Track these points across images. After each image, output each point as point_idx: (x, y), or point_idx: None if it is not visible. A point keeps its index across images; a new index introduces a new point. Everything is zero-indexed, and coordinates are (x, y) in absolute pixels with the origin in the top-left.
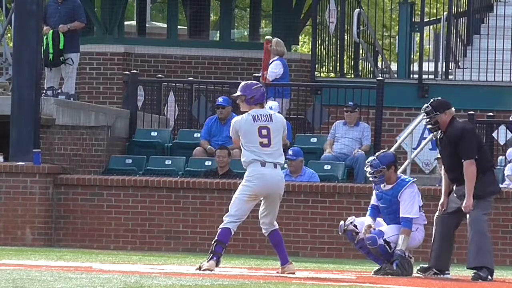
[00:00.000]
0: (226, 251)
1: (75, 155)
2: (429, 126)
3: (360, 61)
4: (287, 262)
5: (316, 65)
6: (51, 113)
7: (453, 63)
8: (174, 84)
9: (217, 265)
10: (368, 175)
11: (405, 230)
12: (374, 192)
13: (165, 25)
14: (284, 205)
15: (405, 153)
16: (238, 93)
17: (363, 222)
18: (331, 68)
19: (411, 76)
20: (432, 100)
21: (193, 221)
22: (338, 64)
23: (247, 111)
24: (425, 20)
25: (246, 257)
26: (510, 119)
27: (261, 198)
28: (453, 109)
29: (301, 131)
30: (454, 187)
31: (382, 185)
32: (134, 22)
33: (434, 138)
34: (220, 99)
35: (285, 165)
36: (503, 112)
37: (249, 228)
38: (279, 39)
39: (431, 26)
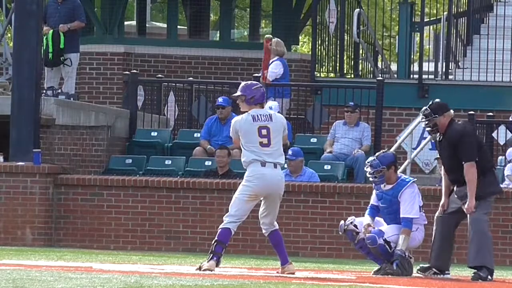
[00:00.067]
0: (226, 251)
1: (75, 155)
2: (428, 129)
3: (360, 61)
4: (287, 262)
5: (316, 65)
6: (51, 113)
7: (453, 63)
8: (174, 84)
9: (217, 265)
10: (368, 175)
11: (405, 230)
12: (374, 192)
13: (165, 25)
14: (284, 205)
15: (405, 153)
16: (238, 93)
17: (362, 222)
18: (331, 68)
19: (411, 76)
20: (430, 102)
21: (193, 221)
22: (338, 64)
23: (247, 111)
24: (425, 20)
25: (246, 257)
26: (510, 119)
27: (261, 198)
28: (451, 111)
29: (301, 131)
30: (455, 188)
31: (382, 185)
32: (134, 22)
33: (433, 141)
34: (220, 99)
35: (285, 165)
36: (503, 112)
37: (249, 228)
38: (279, 39)
39: (431, 26)
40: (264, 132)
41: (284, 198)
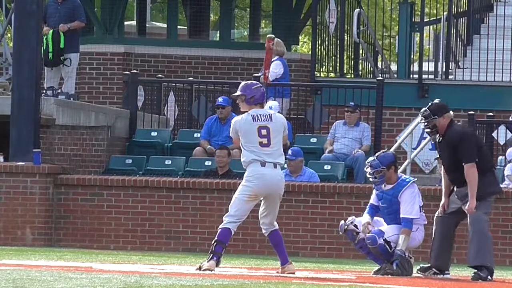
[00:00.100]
0: (226, 251)
1: (75, 155)
2: (427, 130)
3: (360, 61)
4: (287, 262)
5: (316, 65)
6: (51, 113)
7: (453, 63)
8: (174, 84)
9: (217, 265)
10: (368, 175)
11: (405, 231)
12: (374, 191)
13: (165, 25)
14: (284, 205)
15: (405, 153)
16: (238, 93)
17: (362, 221)
18: (331, 68)
19: (411, 76)
20: (430, 104)
21: (193, 221)
22: (338, 64)
23: (247, 111)
24: (425, 20)
25: (246, 257)
26: (510, 119)
27: (261, 198)
28: (451, 112)
29: (301, 131)
30: (455, 188)
31: (382, 185)
32: (134, 22)
33: (433, 142)
34: (220, 99)
35: (285, 165)
36: (503, 112)
37: (249, 228)
38: (279, 39)
39: (431, 26)
40: (264, 132)
41: (284, 198)
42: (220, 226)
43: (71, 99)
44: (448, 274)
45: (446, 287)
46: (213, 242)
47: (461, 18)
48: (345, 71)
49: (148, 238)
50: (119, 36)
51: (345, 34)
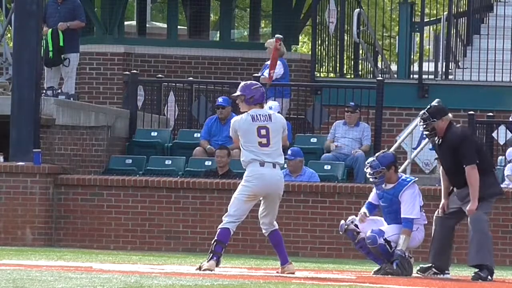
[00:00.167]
0: (226, 251)
1: (75, 155)
2: (426, 133)
3: (360, 61)
4: (287, 262)
5: (316, 65)
6: (51, 113)
7: (453, 63)
8: (174, 84)
9: (217, 265)
10: (368, 176)
11: (405, 231)
12: (374, 190)
13: (165, 25)
14: (284, 205)
15: (405, 153)
16: (238, 93)
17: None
18: (331, 68)
19: (411, 76)
20: (428, 106)
21: (193, 221)
22: (338, 64)
23: (246, 111)
24: (425, 20)
25: (246, 257)
26: (510, 119)
27: (261, 198)
28: (450, 115)
29: (301, 131)
30: (455, 189)
31: (383, 185)
32: (134, 22)
33: (432, 144)
34: (220, 99)
35: (285, 165)
36: (503, 112)
37: (249, 228)
38: None
39: (431, 27)
40: (263, 132)
41: (284, 198)
42: (219, 226)
43: (71, 99)
44: (448, 274)
45: (446, 287)
46: (212, 242)
47: (461, 18)
48: (345, 71)
49: (148, 238)
50: (119, 36)
51: (345, 34)
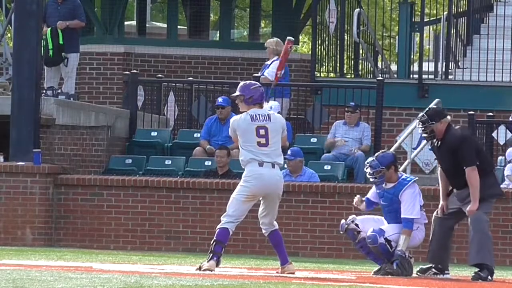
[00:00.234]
0: (226, 251)
1: (75, 155)
2: (424, 135)
3: (360, 61)
4: (287, 262)
5: (316, 65)
6: (51, 113)
7: (453, 63)
8: (174, 84)
9: (217, 265)
10: (368, 175)
11: (405, 231)
12: (373, 187)
13: (165, 25)
14: (284, 205)
15: (405, 153)
16: (237, 93)
17: (364, 220)
18: (331, 68)
19: (411, 76)
20: (427, 109)
21: (193, 221)
22: (338, 64)
23: (246, 111)
24: (425, 20)
25: (246, 257)
26: (510, 119)
27: (260, 198)
28: (448, 117)
29: (301, 131)
30: (455, 191)
31: (383, 184)
32: (134, 22)
33: (430, 146)
34: (220, 99)
35: (285, 165)
36: (503, 112)
37: (249, 228)
38: (278, 39)
39: (431, 27)
40: (262, 132)
41: (284, 198)
42: (218, 226)
43: (71, 99)
44: (448, 274)
45: (446, 287)
46: (212, 242)
47: (461, 18)
48: (345, 71)
49: (148, 238)
50: (119, 36)
51: (345, 34)
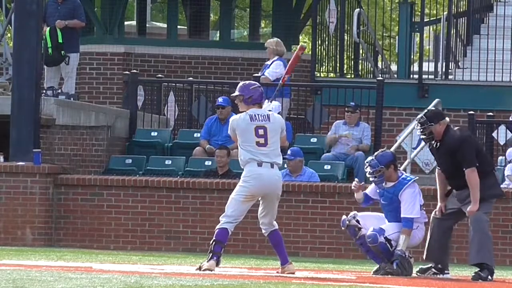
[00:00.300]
0: (226, 251)
1: (75, 155)
2: (422, 137)
3: (360, 61)
4: (287, 262)
5: (316, 65)
6: (51, 113)
7: (453, 63)
8: (174, 84)
9: (217, 265)
10: (368, 175)
11: (405, 231)
12: (372, 184)
13: (165, 25)
14: (284, 205)
15: (405, 153)
16: (236, 93)
17: (365, 216)
18: (331, 68)
19: (411, 76)
20: (426, 110)
21: (193, 221)
22: (338, 64)
23: (245, 111)
24: (425, 20)
25: (246, 257)
26: (510, 119)
27: (259, 198)
28: (447, 118)
29: (301, 131)
30: (454, 191)
31: (383, 183)
32: (134, 22)
33: (429, 148)
34: (220, 99)
35: (285, 165)
36: (503, 112)
37: (249, 228)
38: (279, 39)
39: (431, 27)
40: (261, 132)
41: (284, 198)
42: (217, 227)
43: (71, 99)
44: (448, 274)
45: (446, 287)
46: (211, 242)
47: (461, 18)
48: (345, 71)
49: (148, 238)
50: (119, 36)
51: (345, 34)
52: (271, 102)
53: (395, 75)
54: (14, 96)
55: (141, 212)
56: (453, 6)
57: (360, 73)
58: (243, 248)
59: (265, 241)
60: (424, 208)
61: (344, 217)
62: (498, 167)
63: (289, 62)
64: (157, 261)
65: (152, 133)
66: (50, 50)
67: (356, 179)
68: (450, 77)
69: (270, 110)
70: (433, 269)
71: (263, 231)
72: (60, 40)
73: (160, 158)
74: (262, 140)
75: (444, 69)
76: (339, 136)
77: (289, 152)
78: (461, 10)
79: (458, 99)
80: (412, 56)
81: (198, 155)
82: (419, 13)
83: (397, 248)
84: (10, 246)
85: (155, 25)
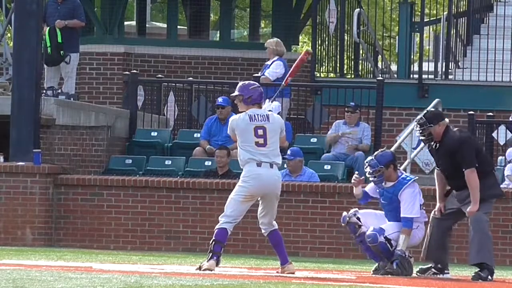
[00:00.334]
0: (226, 251)
1: (75, 155)
2: (422, 138)
3: (360, 61)
4: (286, 262)
5: (316, 65)
6: (51, 113)
7: (453, 63)
8: (174, 84)
9: (217, 264)
10: (367, 175)
11: (405, 230)
12: (371, 179)
13: (165, 25)
14: (284, 205)
15: (405, 153)
16: (236, 93)
17: (366, 214)
18: (331, 68)
19: (411, 76)
20: (425, 111)
21: (193, 221)
22: (338, 64)
23: (244, 111)
24: (425, 20)
25: (246, 257)
26: (510, 119)
27: (259, 198)
28: (446, 120)
29: (301, 131)
30: (454, 192)
31: (383, 183)
32: (134, 22)
33: (428, 149)
34: (220, 99)
35: (285, 165)
36: (503, 112)
37: (249, 228)
38: (278, 39)
39: (431, 27)
40: (260, 132)
41: (284, 198)
42: (217, 227)
43: (71, 99)
44: (448, 273)
45: (446, 287)
46: (211, 242)
47: (461, 18)
48: (345, 71)
49: (148, 238)
50: (119, 36)
51: (345, 34)
52: (272, 102)
53: (395, 75)
54: (14, 96)
55: (141, 212)
56: (453, 6)
57: (360, 73)
58: (243, 248)
59: (265, 241)
60: (424, 208)
61: (344, 213)
62: (498, 167)
63: (294, 65)
64: (157, 261)
65: (152, 133)
66: (49, 50)
67: (356, 173)
68: (450, 77)
69: (270, 110)
70: (433, 269)
71: (263, 231)
72: (60, 40)
73: (160, 158)
74: (261, 140)
75: (444, 69)
76: (342, 134)
77: (289, 152)
78: (461, 10)
79: (458, 99)
80: (412, 56)
81: (198, 155)
82: (419, 13)
83: (397, 248)
84: (10, 246)
85: (155, 25)
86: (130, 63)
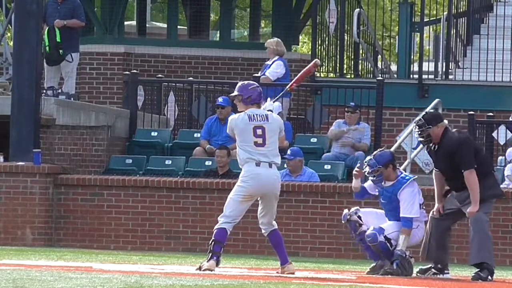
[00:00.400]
0: (226, 251)
1: (75, 155)
2: (420, 139)
3: (360, 61)
4: (286, 262)
5: None
6: (51, 113)
7: (453, 63)
8: (174, 84)
9: (217, 264)
10: (367, 174)
11: (405, 230)
12: (370, 179)
13: (165, 25)
14: (284, 205)
15: (405, 153)
16: (235, 92)
17: (367, 212)
18: (331, 68)
19: (411, 76)
20: (424, 112)
21: (193, 221)
22: (338, 64)
23: (244, 111)
24: (425, 20)
25: (246, 257)
26: (510, 119)
27: (258, 198)
28: (445, 121)
29: (301, 131)
30: (454, 192)
31: (382, 183)
32: (134, 22)
33: (427, 150)
34: (220, 99)
35: (285, 165)
36: (503, 112)
37: (249, 228)
38: (279, 39)
39: (431, 27)
40: (259, 132)
41: (284, 198)
42: (216, 227)
43: (71, 99)
44: (448, 274)
45: (446, 287)
46: (210, 242)
47: (461, 18)
48: (345, 71)
49: (148, 238)
50: (119, 36)
51: (345, 34)
52: (273, 102)
53: (395, 75)
54: (14, 96)
55: (141, 212)
56: (453, 6)
57: (360, 73)
58: (243, 248)
59: (265, 241)
60: (424, 207)
61: (345, 211)
62: (498, 167)
63: (299, 74)
64: (157, 261)
65: (152, 133)
66: (48, 49)
67: (358, 166)
68: (450, 77)
69: (270, 110)
70: (433, 269)
71: (263, 231)
72: (58, 40)
73: (160, 158)
74: (260, 140)
75: (444, 69)
76: (348, 130)
77: (289, 152)
78: (461, 10)
79: (458, 99)
80: (412, 56)
81: (198, 155)
82: (419, 13)
83: (397, 248)
84: (10, 246)
85: (155, 25)
86: (130, 63)
